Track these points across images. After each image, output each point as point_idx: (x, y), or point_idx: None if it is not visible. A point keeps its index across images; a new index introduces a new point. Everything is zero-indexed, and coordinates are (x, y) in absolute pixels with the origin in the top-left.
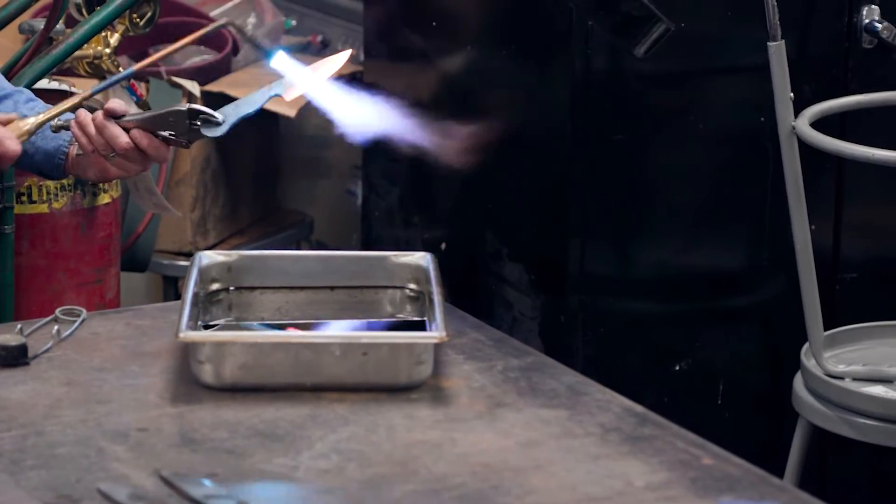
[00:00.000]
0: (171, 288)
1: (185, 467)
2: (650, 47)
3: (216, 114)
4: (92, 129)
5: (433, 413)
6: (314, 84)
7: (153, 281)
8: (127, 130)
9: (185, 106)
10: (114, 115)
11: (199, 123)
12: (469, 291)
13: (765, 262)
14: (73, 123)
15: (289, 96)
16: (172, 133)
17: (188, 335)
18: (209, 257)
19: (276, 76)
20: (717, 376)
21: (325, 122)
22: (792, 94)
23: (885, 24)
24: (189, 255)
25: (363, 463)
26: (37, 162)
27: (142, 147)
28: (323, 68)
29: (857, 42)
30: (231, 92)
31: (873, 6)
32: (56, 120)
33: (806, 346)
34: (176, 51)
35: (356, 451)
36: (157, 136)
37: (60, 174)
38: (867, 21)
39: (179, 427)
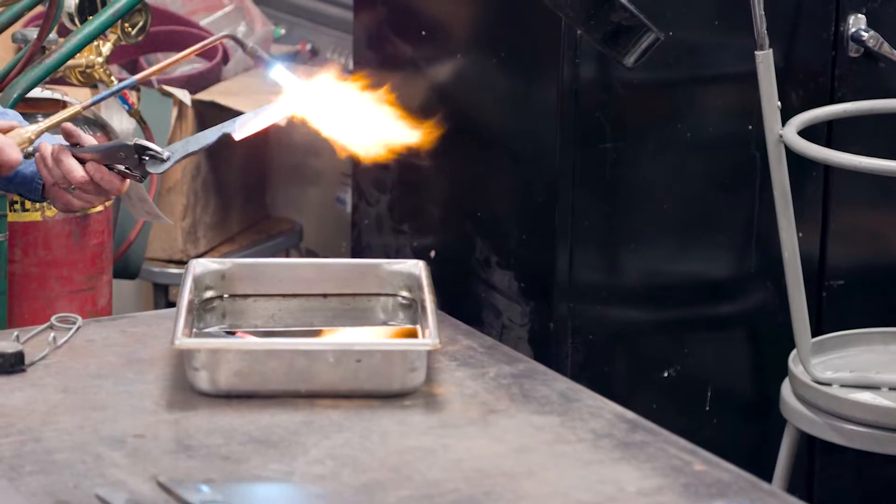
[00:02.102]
0: (162, 295)
1: (182, 473)
2: (639, 57)
3: (162, 150)
4: (50, 162)
5: (426, 419)
6: (299, 105)
7: (144, 288)
8: (84, 163)
9: (131, 141)
10: (70, 145)
11: (146, 159)
12: (458, 299)
13: (752, 270)
14: (36, 155)
15: (239, 136)
16: (127, 167)
17: (184, 342)
18: (203, 265)
19: (266, 86)
20: (705, 383)
21: (315, 131)
22: (779, 103)
23: (872, 32)
24: (180, 263)
25: (357, 469)
26: (16, 185)
27: (96, 180)
28: (315, 91)
29: (843, 51)
30: (222, 101)
31: (859, 15)
32: (29, 147)
33: (794, 352)
34: (177, 62)
35: (350, 456)
36: (112, 169)
37: (39, 198)
38: (853, 30)
39: (175, 433)
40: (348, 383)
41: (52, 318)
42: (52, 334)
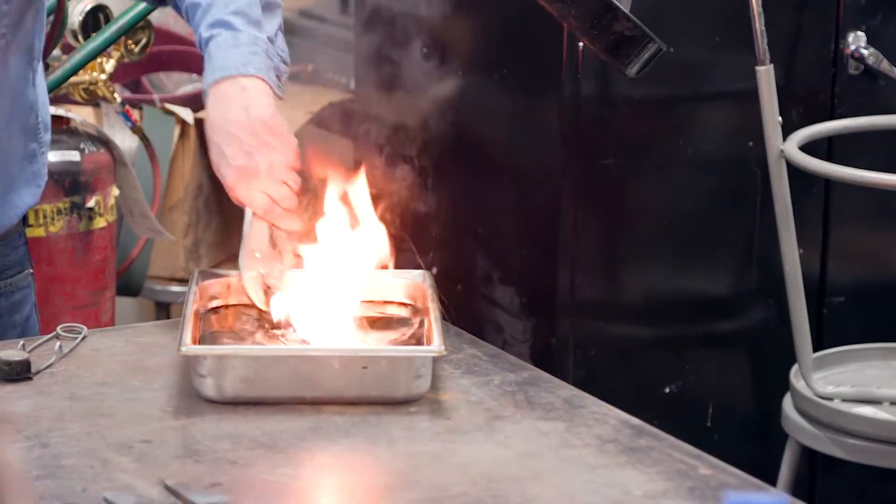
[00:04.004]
0: (163, 313)
1: (189, 477)
2: (642, 68)
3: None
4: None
5: (432, 425)
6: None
7: (146, 306)
8: None
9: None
10: None
11: None
12: (460, 315)
13: (753, 287)
14: None
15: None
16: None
17: (190, 349)
18: (208, 274)
19: None
20: (706, 399)
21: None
22: (780, 118)
23: (871, 50)
24: (182, 281)
25: (365, 473)
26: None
27: None
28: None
29: (843, 68)
30: None
31: (859, 33)
32: None
33: (795, 367)
34: None
35: (358, 461)
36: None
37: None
38: (853, 47)
39: (182, 439)
40: (354, 390)
41: (58, 328)
42: (58, 343)
